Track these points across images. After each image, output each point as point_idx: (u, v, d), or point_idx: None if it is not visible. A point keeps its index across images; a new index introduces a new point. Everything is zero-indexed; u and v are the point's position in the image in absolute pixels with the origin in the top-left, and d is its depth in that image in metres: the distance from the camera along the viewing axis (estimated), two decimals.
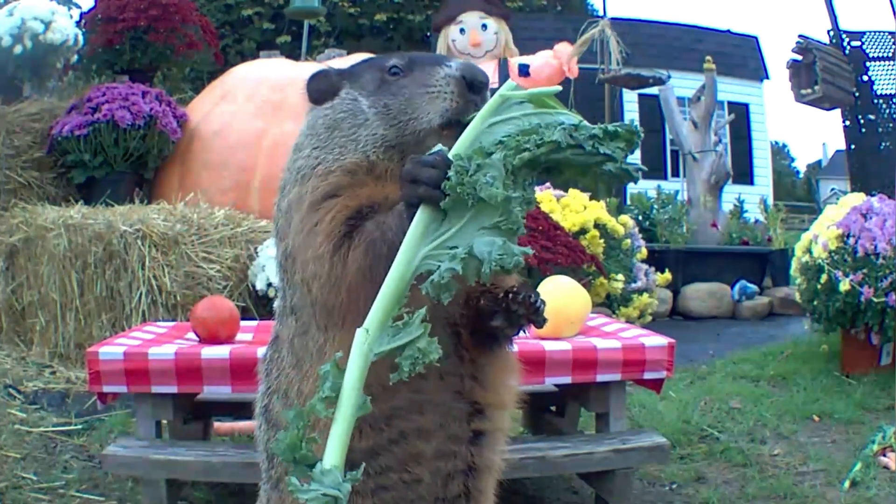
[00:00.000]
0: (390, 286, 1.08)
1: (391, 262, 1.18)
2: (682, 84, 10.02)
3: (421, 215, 1.12)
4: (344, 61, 5.35)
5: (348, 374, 1.04)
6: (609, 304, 5.20)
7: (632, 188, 12.04)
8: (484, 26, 7.44)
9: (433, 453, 1.33)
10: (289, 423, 1.04)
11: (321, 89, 1.46)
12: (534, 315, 1.28)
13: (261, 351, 2.18)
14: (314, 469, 1.00)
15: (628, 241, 5.62)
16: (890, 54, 8.37)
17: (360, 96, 1.40)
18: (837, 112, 8.65)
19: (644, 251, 5.99)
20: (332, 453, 1.01)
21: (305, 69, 5.90)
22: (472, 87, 1.32)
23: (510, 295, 1.28)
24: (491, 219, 1.09)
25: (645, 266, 5.78)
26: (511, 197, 1.08)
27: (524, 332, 1.34)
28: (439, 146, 1.17)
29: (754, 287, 7.21)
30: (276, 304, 1.55)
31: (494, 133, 1.15)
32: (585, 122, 1.16)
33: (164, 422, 2.44)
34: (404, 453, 1.32)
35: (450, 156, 1.14)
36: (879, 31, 8.45)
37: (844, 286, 3.80)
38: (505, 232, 1.08)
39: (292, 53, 8.81)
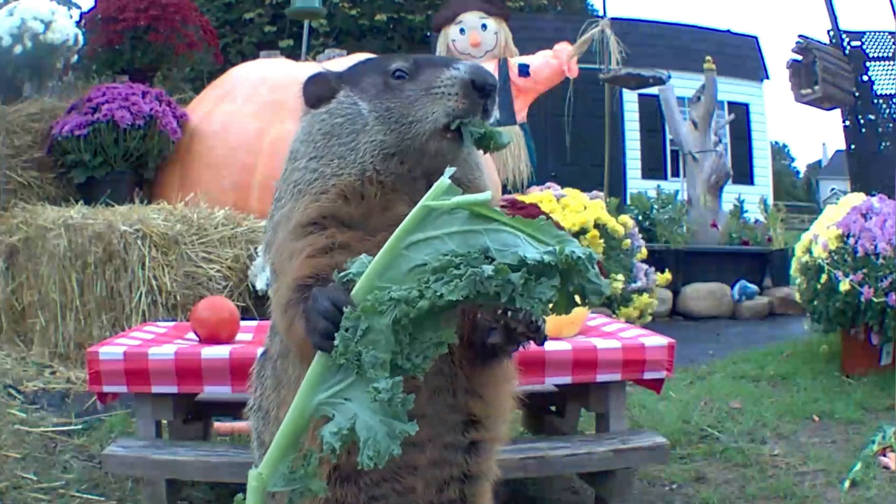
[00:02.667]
0: (286, 430, 1.04)
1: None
2: (682, 84, 10.01)
3: (317, 360, 1.05)
4: (344, 61, 5.35)
5: None
6: (609, 304, 5.20)
7: (632, 188, 12.07)
8: (484, 26, 7.44)
9: (427, 463, 1.32)
10: None
11: (318, 93, 1.38)
12: (534, 334, 1.22)
13: (261, 351, 2.19)
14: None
15: (628, 241, 5.63)
16: (890, 54, 8.37)
17: (360, 100, 1.32)
18: (837, 112, 8.65)
19: (644, 251, 5.99)
20: None
21: (305, 69, 5.89)
22: (481, 90, 1.24)
23: (509, 311, 1.22)
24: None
25: (645, 266, 5.78)
26: (388, 390, 0.99)
27: (523, 347, 1.28)
28: (354, 263, 1.07)
29: (754, 287, 7.21)
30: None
31: (409, 259, 1.02)
32: (521, 242, 1.01)
33: (164, 422, 2.44)
34: (397, 464, 1.28)
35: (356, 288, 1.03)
36: (879, 31, 8.46)
37: (844, 286, 3.80)
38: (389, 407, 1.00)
39: (292, 54, 8.81)
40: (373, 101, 1.31)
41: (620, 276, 5.28)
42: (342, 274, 1.07)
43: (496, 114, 1.28)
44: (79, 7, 6.03)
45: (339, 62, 5.32)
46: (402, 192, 1.28)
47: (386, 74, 1.31)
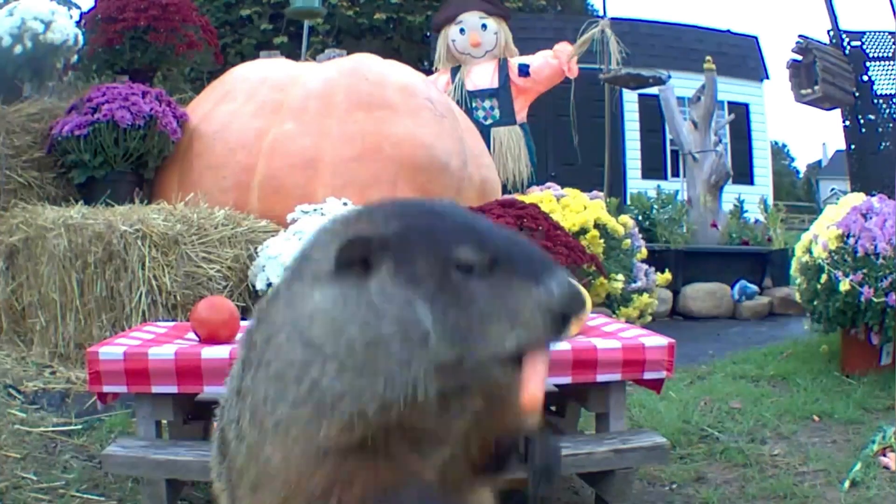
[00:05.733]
0: None
1: None
2: (682, 84, 10.02)
3: None
4: (343, 61, 5.34)
5: None
6: (609, 304, 5.20)
7: (632, 188, 12.08)
8: (484, 26, 7.44)
9: None
10: None
11: (352, 258, 1.05)
12: (545, 478, 1.13)
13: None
14: None
15: (628, 241, 5.62)
16: (890, 54, 8.37)
17: (416, 297, 1.01)
18: (837, 112, 8.65)
19: (644, 251, 5.99)
20: None
21: (306, 69, 5.87)
22: (566, 319, 1.06)
23: (527, 443, 1.14)
24: None
25: (645, 266, 5.77)
26: None
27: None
28: None
29: (754, 287, 7.21)
30: (226, 435, 1.26)
31: None
32: None
33: (164, 422, 2.44)
34: None
35: None
36: (879, 31, 8.46)
37: (844, 286, 3.80)
38: None
39: (291, 53, 8.82)
40: (434, 304, 1.01)
41: (620, 276, 5.27)
42: None
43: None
44: (79, 7, 6.02)
45: (339, 62, 5.32)
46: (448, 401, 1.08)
47: (448, 264, 1.02)
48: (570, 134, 7.98)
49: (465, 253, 1.02)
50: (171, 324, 2.94)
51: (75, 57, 5.44)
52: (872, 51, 8.44)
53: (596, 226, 5.32)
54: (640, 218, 7.24)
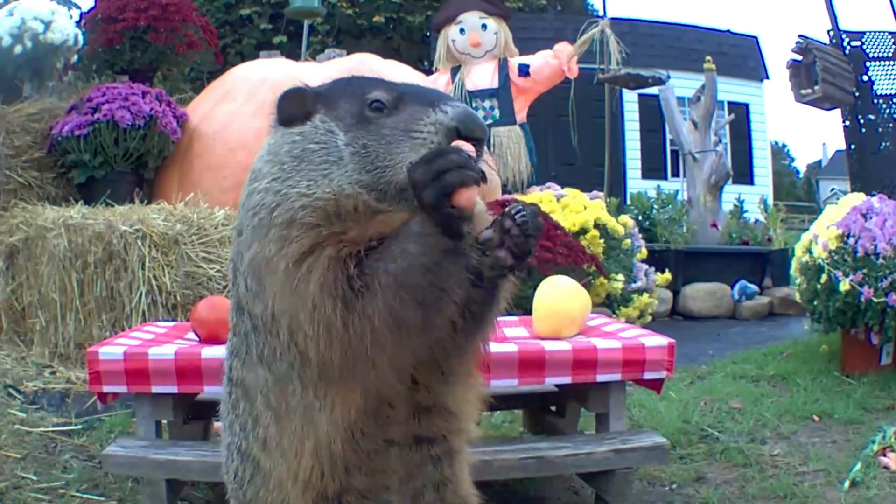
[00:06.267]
0: None
1: (434, 289, 1.13)
2: (682, 84, 10.02)
3: None
4: (344, 61, 5.34)
5: None
6: (609, 304, 5.20)
7: (632, 188, 12.08)
8: (484, 26, 7.44)
9: (399, 481, 1.32)
10: None
11: (292, 111, 1.28)
12: (525, 231, 1.16)
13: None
14: None
15: (628, 241, 5.62)
16: (890, 54, 8.37)
17: (337, 129, 1.22)
18: (837, 112, 8.65)
19: (644, 251, 5.98)
20: None
21: (306, 69, 5.88)
22: (466, 140, 1.17)
23: (505, 208, 1.20)
24: None
25: (645, 266, 5.77)
26: None
27: (517, 255, 1.20)
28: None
29: (754, 287, 7.21)
30: (229, 342, 1.39)
31: None
32: None
33: (164, 422, 2.44)
34: (370, 487, 1.30)
35: None
36: (879, 31, 8.45)
37: (844, 286, 3.80)
38: None
39: (291, 53, 8.82)
40: (349, 132, 1.21)
41: (620, 276, 5.27)
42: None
43: (483, 163, 1.21)
44: (79, 7, 6.02)
45: (339, 62, 5.32)
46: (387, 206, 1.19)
47: (364, 104, 1.23)
48: (570, 134, 7.98)
49: (377, 94, 1.23)
50: (171, 324, 2.94)
51: (75, 57, 5.44)
52: (872, 51, 8.43)
53: (596, 226, 5.32)
54: (640, 218, 7.24)
